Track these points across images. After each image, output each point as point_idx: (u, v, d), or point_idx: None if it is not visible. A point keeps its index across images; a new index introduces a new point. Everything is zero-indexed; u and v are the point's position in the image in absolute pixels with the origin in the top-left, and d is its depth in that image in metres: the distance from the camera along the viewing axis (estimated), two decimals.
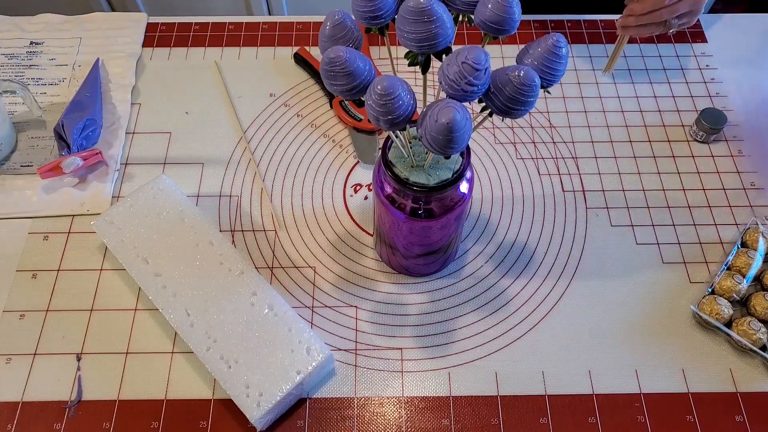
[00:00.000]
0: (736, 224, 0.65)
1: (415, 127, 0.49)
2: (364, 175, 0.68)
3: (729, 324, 0.56)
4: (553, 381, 0.55)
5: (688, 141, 0.71)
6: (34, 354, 0.56)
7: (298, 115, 0.73)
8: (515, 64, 0.41)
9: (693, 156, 0.70)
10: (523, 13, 0.72)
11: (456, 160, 0.48)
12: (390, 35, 0.45)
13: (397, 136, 0.45)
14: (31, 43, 0.78)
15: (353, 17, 0.43)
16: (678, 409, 0.54)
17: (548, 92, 0.43)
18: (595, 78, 0.76)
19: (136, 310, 0.58)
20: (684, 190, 0.67)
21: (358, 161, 0.68)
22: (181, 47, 0.78)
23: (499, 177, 0.68)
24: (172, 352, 0.56)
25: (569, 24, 0.82)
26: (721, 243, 0.63)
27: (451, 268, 0.61)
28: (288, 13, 1.32)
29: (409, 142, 0.48)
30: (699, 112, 0.70)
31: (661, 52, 0.79)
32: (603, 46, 0.79)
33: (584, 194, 0.67)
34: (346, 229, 0.64)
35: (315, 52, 0.76)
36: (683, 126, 0.72)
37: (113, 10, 1.29)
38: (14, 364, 0.55)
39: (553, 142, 0.71)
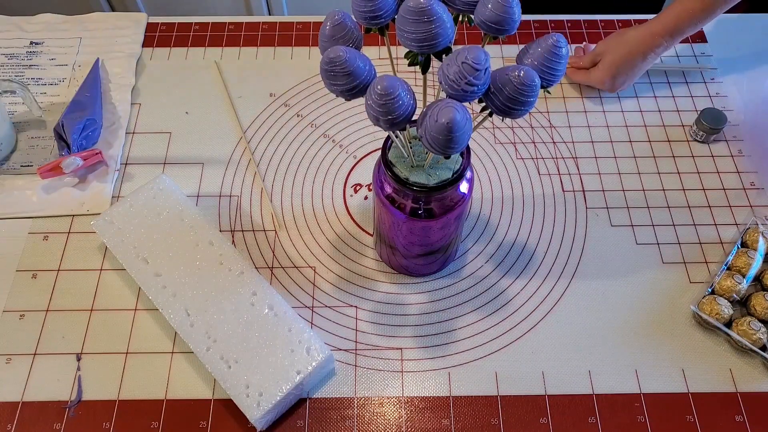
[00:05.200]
0: (736, 224, 0.65)
1: (415, 127, 0.49)
2: (364, 175, 0.68)
3: (729, 324, 0.56)
4: (553, 381, 0.55)
5: (688, 141, 0.71)
6: (34, 354, 0.56)
7: (298, 115, 0.73)
8: (515, 64, 0.41)
9: (693, 156, 0.70)
10: (523, 13, 0.72)
11: (456, 160, 0.48)
12: (390, 35, 0.45)
13: (397, 136, 0.45)
14: (31, 43, 0.78)
15: (353, 17, 0.43)
16: (678, 409, 0.54)
17: (548, 92, 0.43)
18: None
19: (136, 310, 0.58)
20: (684, 190, 0.67)
21: None
22: (181, 47, 0.78)
23: (499, 177, 0.68)
24: (172, 352, 0.56)
25: (569, 24, 0.82)
26: (721, 243, 0.63)
27: (451, 268, 0.61)
28: (288, 13, 1.32)
29: (409, 142, 0.48)
30: (699, 112, 0.70)
31: None
32: None
33: (584, 194, 0.67)
34: (346, 229, 0.64)
35: (315, 52, 0.76)
36: (683, 126, 0.72)
37: (113, 10, 1.29)
38: (14, 364, 0.55)
39: (553, 142, 0.71)
